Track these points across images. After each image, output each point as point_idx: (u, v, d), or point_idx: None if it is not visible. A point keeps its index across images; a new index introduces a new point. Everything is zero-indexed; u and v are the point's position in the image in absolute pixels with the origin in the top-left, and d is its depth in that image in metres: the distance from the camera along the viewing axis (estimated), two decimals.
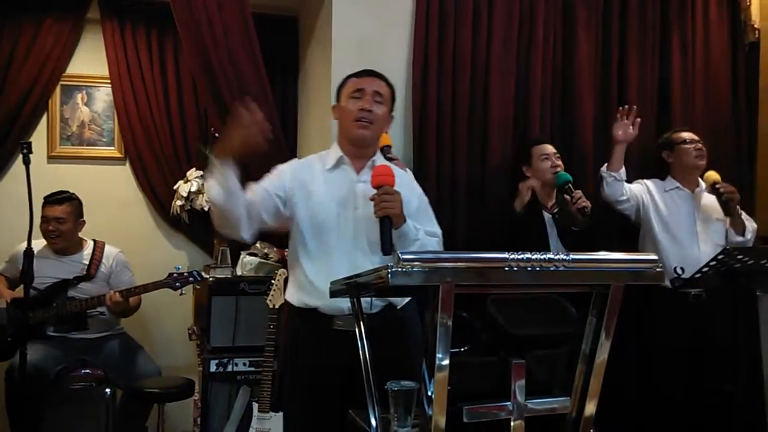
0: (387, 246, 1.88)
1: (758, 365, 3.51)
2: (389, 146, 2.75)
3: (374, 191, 1.97)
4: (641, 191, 3.24)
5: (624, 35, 3.58)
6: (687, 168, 3.22)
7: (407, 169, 2.82)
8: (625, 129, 3.14)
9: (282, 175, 2.18)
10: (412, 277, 1.26)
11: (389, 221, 1.91)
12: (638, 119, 3.16)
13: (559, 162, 3.06)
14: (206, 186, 2.11)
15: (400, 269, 1.25)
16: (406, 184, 2.20)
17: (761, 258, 2.61)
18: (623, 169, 3.19)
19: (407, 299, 2.15)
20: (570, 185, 2.93)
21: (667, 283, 2.87)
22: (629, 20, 3.57)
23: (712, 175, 3.10)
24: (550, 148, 3.09)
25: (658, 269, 1.36)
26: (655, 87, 3.65)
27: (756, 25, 3.77)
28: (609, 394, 1.55)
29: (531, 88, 3.39)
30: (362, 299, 1.62)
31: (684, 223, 3.16)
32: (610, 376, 1.47)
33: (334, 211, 2.09)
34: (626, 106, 3.20)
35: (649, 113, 3.59)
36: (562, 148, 3.43)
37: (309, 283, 2.10)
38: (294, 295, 2.17)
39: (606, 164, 3.20)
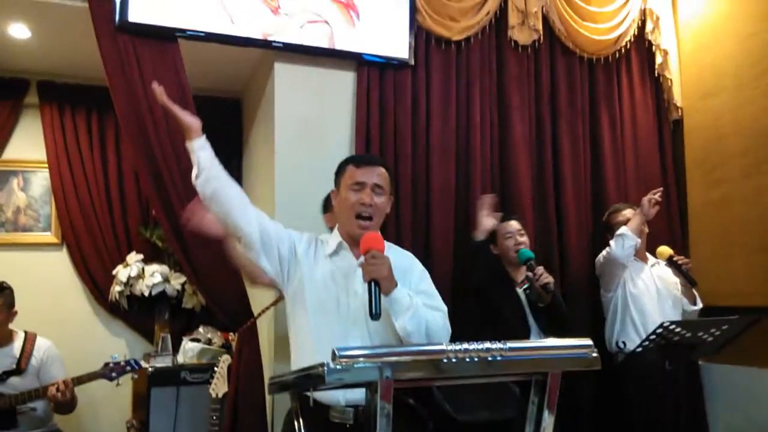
0: (374, 310, 1.79)
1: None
2: None
3: None
4: None
5: (555, 116, 3.75)
6: None
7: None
8: (655, 209, 3.23)
9: (292, 242, 2.11)
10: (350, 373, 1.24)
11: (377, 285, 1.83)
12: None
13: (524, 239, 3.10)
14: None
15: (336, 366, 1.23)
16: (404, 260, 2.16)
17: (698, 331, 2.67)
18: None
19: None
20: (532, 262, 2.95)
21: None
22: (559, 102, 3.76)
23: (666, 249, 3.21)
24: (513, 225, 3.14)
25: (593, 354, 1.37)
26: (588, 163, 3.81)
27: (678, 104, 4.01)
28: None
29: (471, 166, 3.50)
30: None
31: (649, 295, 3.24)
32: None
33: (334, 296, 2.03)
34: (661, 189, 3.32)
35: (583, 187, 3.73)
36: None
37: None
38: None
39: (625, 227, 3.23)
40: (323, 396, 1.97)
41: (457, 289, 3.24)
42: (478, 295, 3.08)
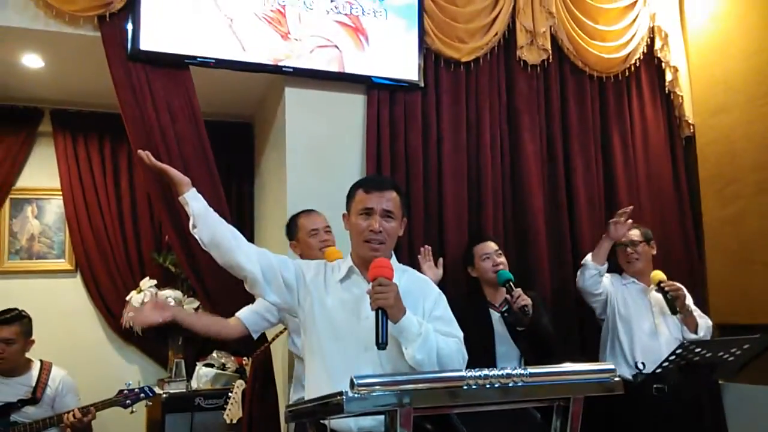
0: (380, 339, 1.77)
1: None
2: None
3: None
4: (608, 285, 3.24)
5: (566, 135, 3.75)
6: (624, 268, 3.27)
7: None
8: (623, 229, 3.16)
9: (299, 269, 2.11)
10: (368, 401, 1.23)
11: (383, 313, 1.81)
12: (630, 220, 3.19)
13: (501, 259, 3.01)
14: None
15: (355, 395, 1.22)
16: (419, 285, 2.13)
17: (719, 351, 2.63)
18: (605, 264, 3.19)
19: None
20: (511, 284, 2.86)
21: (629, 377, 2.87)
22: (570, 121, 3.76)
23: (657, 274, 3.13)
24: (490, 246, 3.06)
25: (615, 378, 1.36)
26: (600, 181, 3.80)
27: (690, 121, 3.99)
28: None
29: (483, 186, 3.49)
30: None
31: (643, 317, 3.16)
32: None
33: (345, 323, 2.02)
34: (629, 208, 3.21)
35: (597, 205, 3.71)
36: (516, 243, 3.51)
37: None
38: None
39: (590, 254, 3.19)
40: (334, 423, 1.91)
41: None
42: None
